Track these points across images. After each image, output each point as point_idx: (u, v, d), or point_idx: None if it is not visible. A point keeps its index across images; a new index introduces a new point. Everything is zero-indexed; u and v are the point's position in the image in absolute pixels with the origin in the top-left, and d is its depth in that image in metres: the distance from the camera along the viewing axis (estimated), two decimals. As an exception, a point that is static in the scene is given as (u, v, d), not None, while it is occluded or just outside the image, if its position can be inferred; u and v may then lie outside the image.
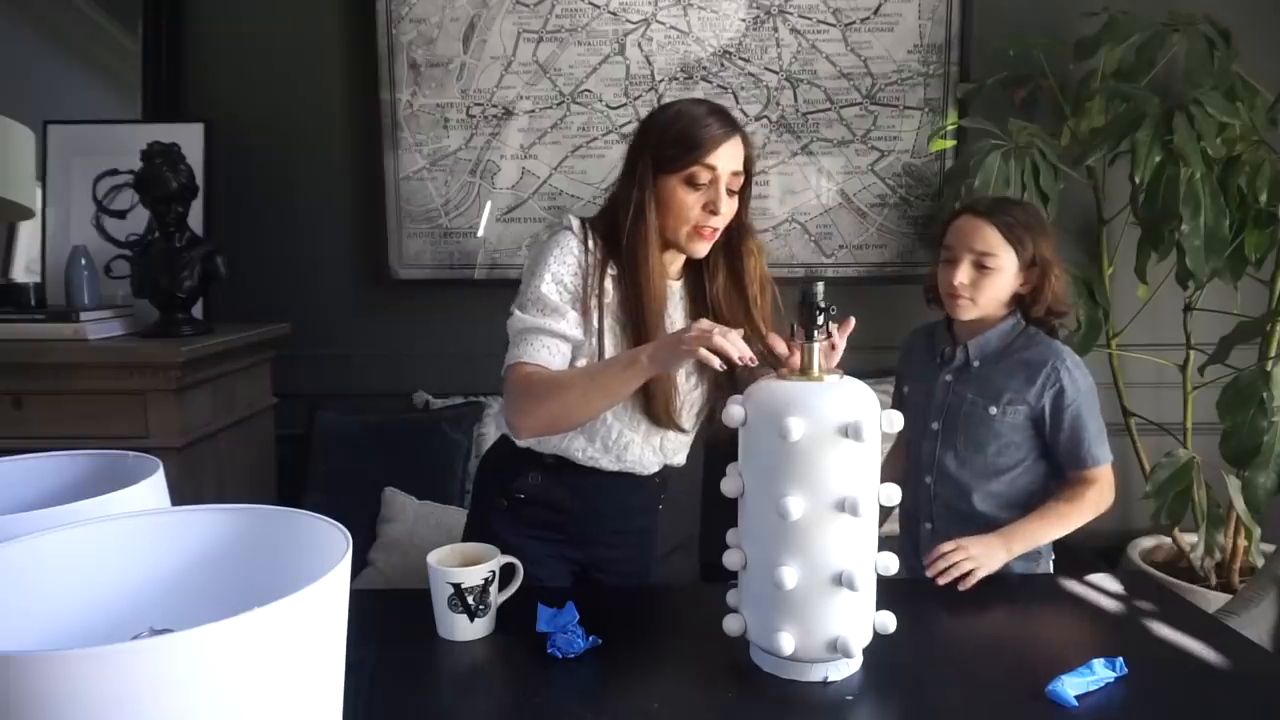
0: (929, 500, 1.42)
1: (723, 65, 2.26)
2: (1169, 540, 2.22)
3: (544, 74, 2.25)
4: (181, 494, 0.86)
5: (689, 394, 1.28)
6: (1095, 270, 2.20)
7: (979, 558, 1.22)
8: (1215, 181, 1.84)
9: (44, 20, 2.27)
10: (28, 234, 2.21)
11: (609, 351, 1.19)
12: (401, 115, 2.25)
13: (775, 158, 2.29)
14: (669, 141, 1.16)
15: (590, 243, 1.21)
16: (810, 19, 2.25)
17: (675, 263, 1.27)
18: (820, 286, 0.99)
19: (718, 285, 1.25)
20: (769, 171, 2.30)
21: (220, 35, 2.26)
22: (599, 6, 2.23)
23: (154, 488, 0.79)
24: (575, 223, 1.23)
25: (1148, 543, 2.29)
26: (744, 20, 2.24)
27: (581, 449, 1.25)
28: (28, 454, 0.86)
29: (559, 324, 1.17)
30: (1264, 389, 1.74)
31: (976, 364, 1.39)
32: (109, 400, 1.76)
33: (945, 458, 1.40)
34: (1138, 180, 1.86)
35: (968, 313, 1.37)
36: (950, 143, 2.27)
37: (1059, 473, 1.38)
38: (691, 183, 1.16)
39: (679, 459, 1.34)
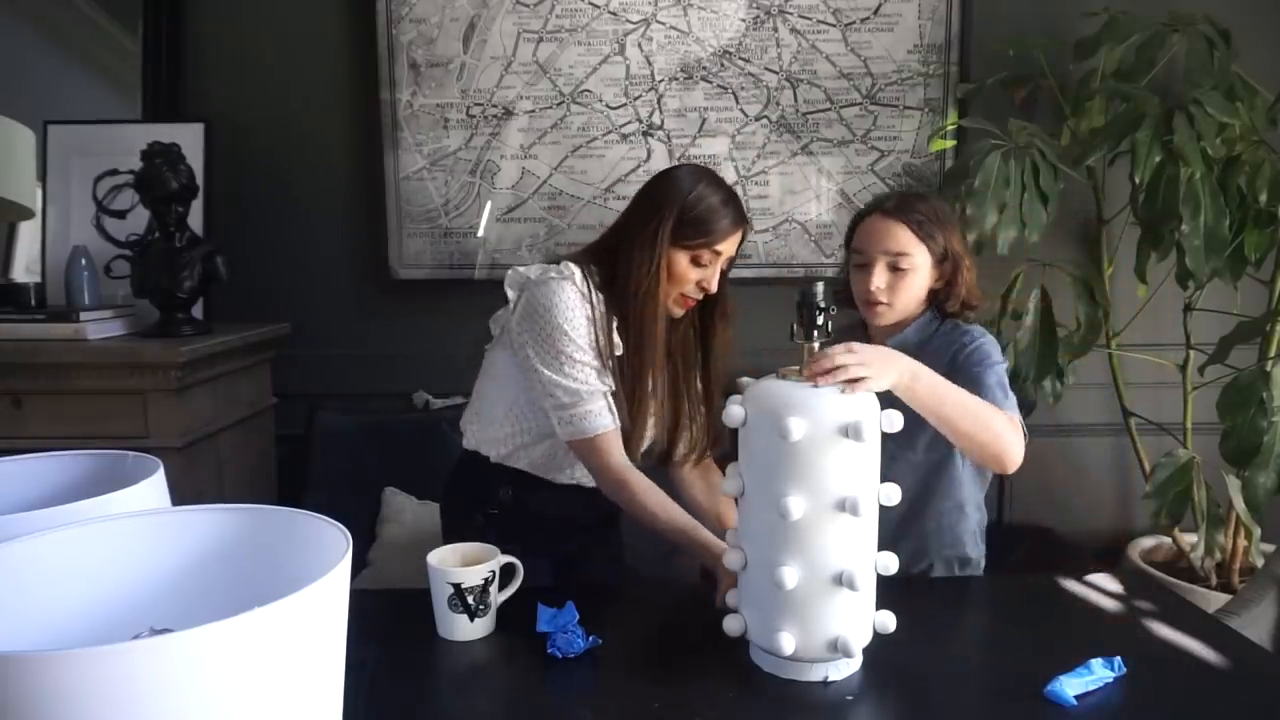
0: None
1: (723, 65, 2.26)
2: (1169, 540, 2.21)
3: (544, 74, 2.25)
4: (181, 494, 0.86)
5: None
6: (1095, 270, 2.20)
7: (870, 366, 1.00)
8: (1215, 181, 1.83)
9: (44, 20, 2.27)
10: (28, 234, 2.21)
11: (611, 400, 1.26)
12: (401, 115, 2.25)
13: (775, 158, 2.29)
14: (688, 221, 1.25)
15: (593, 296, 1.26)
16: (810, 19, 2.25)
17: None
18: (820, 286, 0.99)
19: (680, 332, 1.36)
20: (769, 171, 2.30)
21: (220, 35, 2.26)
22: (599, 6, 2.23)
23: (154, 488, 0.79)
24: (576, 274, 1.26)
25: (1148, 543, 2.29)
26: (744, 20, 2.24)
27: (532, 465, 1.34)
28: (28, 454, 0.87)
29: (609, 380, 1.25)
30: (1264, 389, 1.73)
31: None
32: (109, 400, 1.76)
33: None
34: (1138, 180, 1.85)
35: (886, 318, 1.34)
36: (950, 143, 2.27)
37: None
38: (696, 261, 1.27)
39: None
